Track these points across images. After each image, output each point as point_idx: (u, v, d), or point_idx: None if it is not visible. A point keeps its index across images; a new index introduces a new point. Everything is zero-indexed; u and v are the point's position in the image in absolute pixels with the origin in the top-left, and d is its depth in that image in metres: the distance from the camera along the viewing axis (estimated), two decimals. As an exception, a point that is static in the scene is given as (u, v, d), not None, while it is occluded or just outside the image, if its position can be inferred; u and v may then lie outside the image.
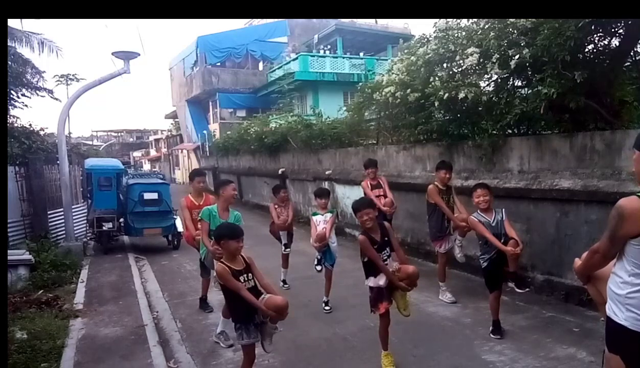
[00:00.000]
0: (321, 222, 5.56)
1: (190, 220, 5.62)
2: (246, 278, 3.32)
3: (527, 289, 4.66)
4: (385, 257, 3.81)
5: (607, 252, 2.22)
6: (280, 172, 14.16)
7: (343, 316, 5.31)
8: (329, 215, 5.63)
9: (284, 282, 6.57)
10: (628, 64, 5.85)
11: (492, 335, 4.49)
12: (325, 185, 11.35)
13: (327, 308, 5.51)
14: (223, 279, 3.27)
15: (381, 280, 3.80)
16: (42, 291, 6.65)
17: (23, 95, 12.91)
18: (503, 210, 4.59)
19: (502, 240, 4.36)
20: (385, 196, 6.62)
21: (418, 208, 7.51)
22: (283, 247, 6.54)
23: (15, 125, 12.15)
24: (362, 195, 9.51)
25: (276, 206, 6.54)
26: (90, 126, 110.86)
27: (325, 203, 5.69)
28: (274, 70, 25.50)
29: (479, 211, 4.56)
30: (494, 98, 6.29)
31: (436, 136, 7.44)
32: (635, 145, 2.20)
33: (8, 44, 11.19)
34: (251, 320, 3.33)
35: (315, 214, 5.70)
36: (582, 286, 5.13)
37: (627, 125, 5.63)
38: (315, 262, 5.71)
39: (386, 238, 3.85)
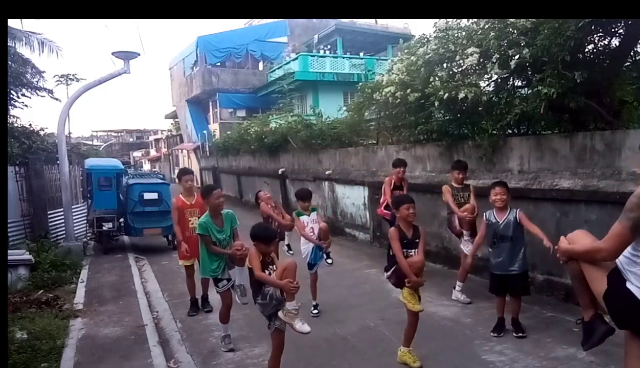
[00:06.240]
0: (309, 222, 5.42)
1: (184, 220, 5.67)
2: (271, 271, 3.71)
3: (525, 335, 4.48)
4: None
5: (625, 242, 2.24)
6: (280, 172, 14.17)
7: (343, 316, 5.31)
8: (314, 213, 5.50)
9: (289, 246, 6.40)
10: (628, 64, 5.85)
11: (492, 333, 4.50)
12: (325, 184, 11.38)
13: (314, 311, 5.36)
14: (250, 257, 3.63)
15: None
16: (42, 291, 6.64)
17: (23, 95, 12.94)
18: (518, 210, 4.56)
19: (508, 242, 4.45)
20: None
21: (418, 208, 7.37)
22: (286, 248, 6.39)
23: (15, 125, 12.19)
24: (363, 195, 9.64)
25: (269, 205, 6.22)
26: (90, 126, 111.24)
27: (309, 206, 5.51)
28: (274, 70, 25.49)
29: (494, 210, 4.62)
30: (494, 98, 6.29)
31: (436, 136, 7.44)
32: None
33: (8, 44, 11.19)
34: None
35: (300, 214, 5.50)
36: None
37: (627, 125, 5.63)
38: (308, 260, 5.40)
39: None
